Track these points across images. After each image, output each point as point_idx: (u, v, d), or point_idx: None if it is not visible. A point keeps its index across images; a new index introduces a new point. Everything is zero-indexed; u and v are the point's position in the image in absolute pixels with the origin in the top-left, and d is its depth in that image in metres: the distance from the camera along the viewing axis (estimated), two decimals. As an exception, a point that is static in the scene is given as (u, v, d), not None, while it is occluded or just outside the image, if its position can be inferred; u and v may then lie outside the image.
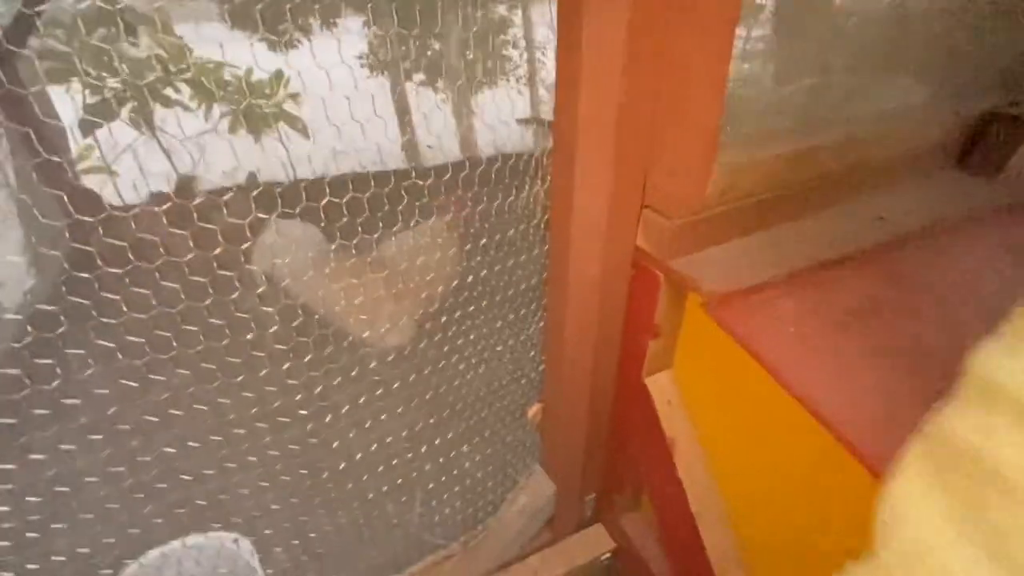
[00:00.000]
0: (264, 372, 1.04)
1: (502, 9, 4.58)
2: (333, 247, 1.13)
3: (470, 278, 1.03)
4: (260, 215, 0.76)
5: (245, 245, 1.00)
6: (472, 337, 1.09)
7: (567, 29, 0.65)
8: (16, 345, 0.85)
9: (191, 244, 0.79)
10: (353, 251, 1.05)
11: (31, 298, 1.95)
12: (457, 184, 0.87)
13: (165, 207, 0.78)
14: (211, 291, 0.79)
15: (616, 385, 1.00)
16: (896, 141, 1.00)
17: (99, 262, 0.75)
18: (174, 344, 0.89)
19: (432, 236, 1.68)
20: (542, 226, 0.85)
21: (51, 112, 2.53)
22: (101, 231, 0.81)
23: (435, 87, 4.50)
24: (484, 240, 0.97)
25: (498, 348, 1.10)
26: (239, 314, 0.81)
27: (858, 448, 0.57)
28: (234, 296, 0.80)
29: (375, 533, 1.18)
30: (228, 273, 0.79)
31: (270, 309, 0.87)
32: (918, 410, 0.60)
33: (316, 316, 1.42)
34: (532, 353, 1.02)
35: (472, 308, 1.03)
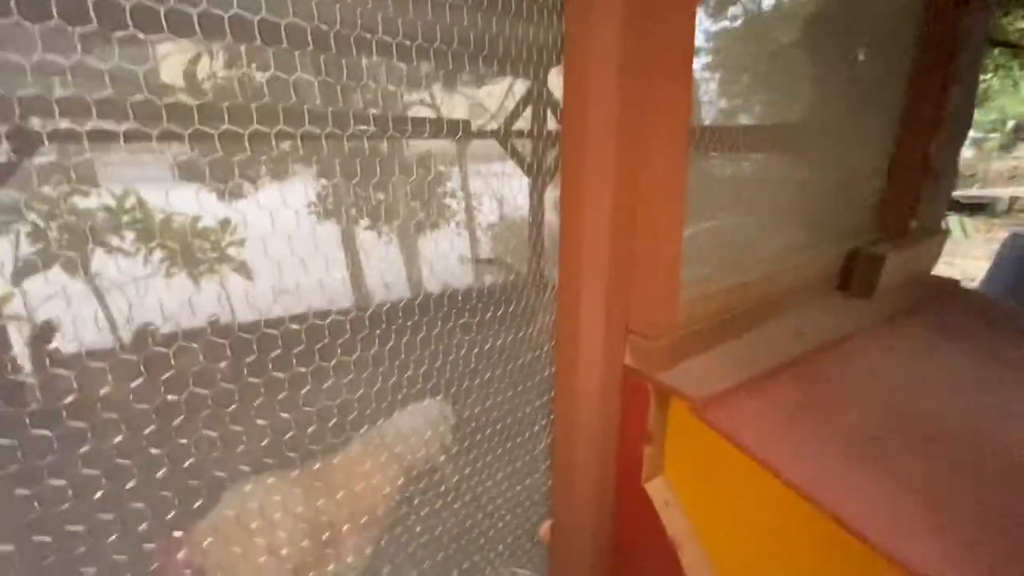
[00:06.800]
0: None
1: (440, 167, 5.21)
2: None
3: (476, 409, 1.12)
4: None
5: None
6: (480, 465, 1.14)
7: (569, 204, 0.89)
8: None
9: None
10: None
11: None
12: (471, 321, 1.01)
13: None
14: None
15: (617, 494, 1.09)
16: (792, 274, 1.31)
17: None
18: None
19: (424, 417, 1.60)
20: (548, 354, 1.00)
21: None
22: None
23: (380, 231, 4.84)
24: (490, 374, 1.09)
25: (506, 472, 1.16)
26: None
27: (837, 514, 0.72)
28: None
29: None
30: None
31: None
32: (882, 480, 0.77)
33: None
34: (536, 475, 1.10)
35: (479, 438, 1.10)
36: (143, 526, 0.68)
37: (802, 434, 0.87)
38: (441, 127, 2.90)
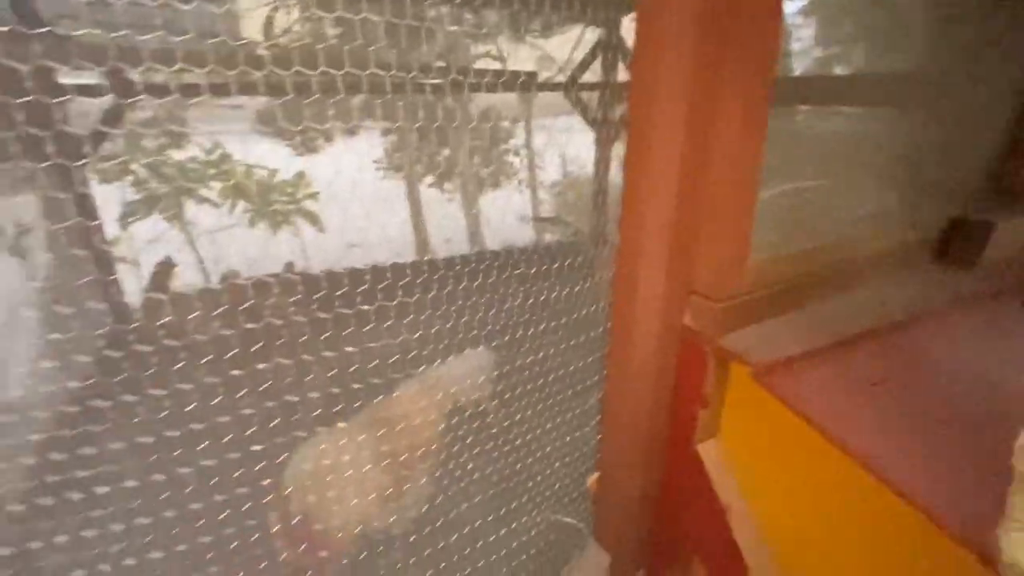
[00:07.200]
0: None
1: (505, 123, 5.13)
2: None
3: (529, 359, 1.15)
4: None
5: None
6: (530, 413, 1.17)
7: (635, 158, 0.85)
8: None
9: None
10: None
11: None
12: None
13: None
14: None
15: (667, 454, 1.08)
16: (881, 240, 1.20)
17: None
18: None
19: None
20: (605, 310, 0.99)
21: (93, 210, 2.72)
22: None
23: (444, 188, 4.90)
24: (545, 325, 1.10)
25: (555, 423, 1.18)
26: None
27: (910, 496, 0.67)
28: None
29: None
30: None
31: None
32: (955, 462, 0.72)
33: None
34: (586, 429, 1.11)
35: (530, 387, 1.13)
36: (228, 438, 0.77)
37: (873, 408, 0.82)
38: (508, 79, 2.83)
